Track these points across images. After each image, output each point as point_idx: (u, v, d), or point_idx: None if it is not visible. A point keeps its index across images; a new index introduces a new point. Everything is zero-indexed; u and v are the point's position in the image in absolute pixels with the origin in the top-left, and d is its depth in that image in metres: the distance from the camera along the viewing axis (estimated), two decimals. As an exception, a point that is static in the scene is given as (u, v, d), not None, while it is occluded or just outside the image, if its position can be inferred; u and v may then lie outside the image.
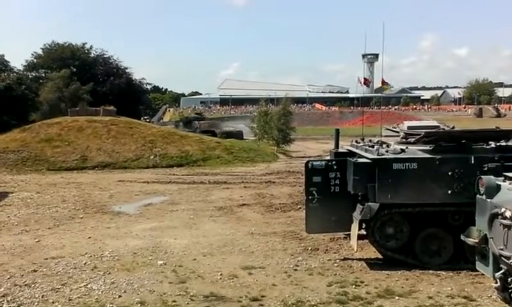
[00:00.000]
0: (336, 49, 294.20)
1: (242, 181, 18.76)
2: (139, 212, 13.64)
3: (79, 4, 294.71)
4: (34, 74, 50.31)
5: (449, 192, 8.30)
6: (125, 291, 7.56)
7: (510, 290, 6.12)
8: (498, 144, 8.81)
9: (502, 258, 5.80)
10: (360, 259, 9.14)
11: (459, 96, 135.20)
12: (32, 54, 51.40)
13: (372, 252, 9.41)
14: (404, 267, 8.51)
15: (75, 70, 47.53)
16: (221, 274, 8.34)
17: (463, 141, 8.68)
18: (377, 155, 8.65)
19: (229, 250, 9.90)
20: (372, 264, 8.87)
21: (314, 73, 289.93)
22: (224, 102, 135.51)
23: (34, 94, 40.36)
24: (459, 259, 8.41)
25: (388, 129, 11.36)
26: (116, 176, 21.26)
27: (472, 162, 8.30)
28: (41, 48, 51.73)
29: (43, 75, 49.18)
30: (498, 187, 6.10)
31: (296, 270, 8.60)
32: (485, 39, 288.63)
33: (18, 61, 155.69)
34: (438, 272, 8.33)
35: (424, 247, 8.71)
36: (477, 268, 6.69)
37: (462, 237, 6.89)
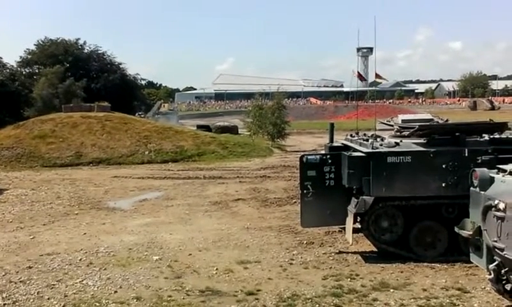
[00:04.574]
0: (330, 44, 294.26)
1: (237, 176, 18.76)
2: (134, 208, 13.62)
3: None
4: (27, 70, 49.84)
5: (443, 185, 8.34)
6: (120, 287, 7.57)
7: (504, 282, 6.16)
8: (491, 136, 8.85)
9: (496, 250, 5.83)
10: (354, 253, 9.17)
11: (454, 89, 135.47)
12: (25, 50, 50.96)
13: (367, 246, 9.45)
14: (399, 260, 8.55)
15: (68, 65, 47.10)
16: (216, 269, 8.35)
17: (457, 134, 8.71)
18: (372, 148, 8.67)
19: (224, 245, 9.91)
20: (367, 257, 8.90)
21: (309, 68, 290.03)
22: (219, 96, 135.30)
23: (28, 90, 40.10)
24: (454, 251, 8.45)
25: (382, 123, 11.37)
26: (110, 172, 21.22)
27: (466, 154, 8.33)
28: (35, 44, 51.14)
29: (37, 71, 48.72)
30: (492, 180, 6.13)
31: (291, 264, 8.63)
32: (479, 33, 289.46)
33: (11, 57, 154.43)
34: (433, 264, 8.38)
35: (419, 240, 8.75)
36: (471, 260, 6.73)
37: (456, 229, 6.93)
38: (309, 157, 9.61)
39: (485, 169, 6.41)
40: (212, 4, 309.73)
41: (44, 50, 49.78)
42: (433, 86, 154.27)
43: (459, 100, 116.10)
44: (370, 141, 9.05)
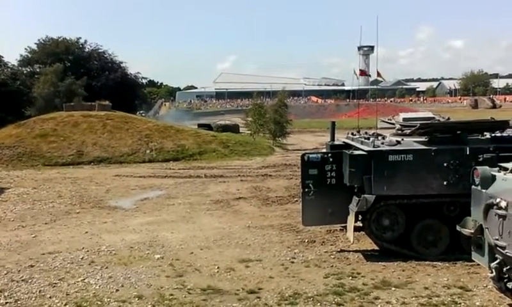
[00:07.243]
0: (332, 42, 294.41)
1: (239, 175, 18.77)
2: (135, 207, 13.63)
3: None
4: (28, 69, 49.84)
5: (445, 183, 8.34)
6: (122, 286, 7.58)
7: (505, 280, 6.16)
8: (493, 134, 8.85)
9: (497, 248, 5.84)
10: (356, 251, 9.18)
11: (455, 87, 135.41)
12: (26, 49, 50.96)
13: (369, 244, 9.45)
14: (401, 258, 8.55)
15: (69, 64, 47.07)
16: (218, 267, 8.36)
17: (458, 132, 8.71)
18: (373, 147, 8.66)
19: (226, 243, 9.91)
20: (369, 255, 8.91)
21: (310, 66, 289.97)
22: (220, 95, 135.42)
23: (29, 89, 40.13)
24: (455, 250, 8.45)
25: (383, 121, 11.37)
26: (112, 170, 21.23)
27: (467, 153, 8.32)
28: (35, 43, 51.16)
29: (38, 70, 48.70)
30: (493, 178, 6.13)
31: (292, 262, 8.63)
32: (481, 31, 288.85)
33: (12, 56, 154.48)
34: (434, 262, 8.38)
35: (420, 238, 8.74)
36: (473, 258, 6.73)
37: (458, 228, 6.92)
38: (310, 156, 9.61)
39: (486, 167, 6.41)
40: (213, 2, 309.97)
41: (45, 48, 49.74)
42: (434, 84, 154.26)
43: (460, 99, 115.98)
44: (371, 139, 9.04)
